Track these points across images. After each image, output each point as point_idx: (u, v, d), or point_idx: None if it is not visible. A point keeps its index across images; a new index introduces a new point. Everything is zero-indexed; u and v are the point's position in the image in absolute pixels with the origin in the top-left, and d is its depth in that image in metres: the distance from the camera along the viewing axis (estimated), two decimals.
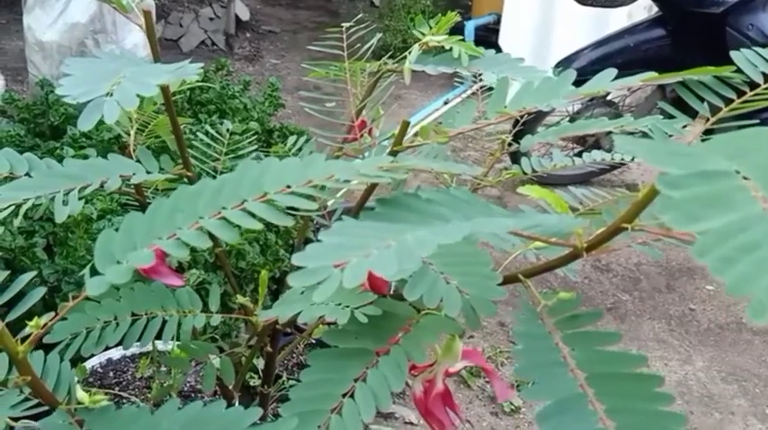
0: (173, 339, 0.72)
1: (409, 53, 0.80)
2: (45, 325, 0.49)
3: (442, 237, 0.40)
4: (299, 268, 0.39)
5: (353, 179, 0.47)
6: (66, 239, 1.48)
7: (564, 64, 2.51)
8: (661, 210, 0.29)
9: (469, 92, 4.33)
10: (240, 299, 0.73)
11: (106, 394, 1.27)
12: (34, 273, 0.56)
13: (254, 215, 0.46)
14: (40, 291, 0.56)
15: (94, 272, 0.49)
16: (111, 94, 0.53)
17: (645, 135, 0.65)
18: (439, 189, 0.51)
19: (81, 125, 0.51)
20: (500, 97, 0.70)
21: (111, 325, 0.71)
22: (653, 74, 0.62)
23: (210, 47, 4.21)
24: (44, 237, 1.54)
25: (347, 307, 0.63)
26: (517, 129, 1.09)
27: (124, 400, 1.39)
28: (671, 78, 0.62)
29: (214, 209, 0.48)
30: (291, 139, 0.94)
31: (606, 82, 0.66)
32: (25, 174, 0.76)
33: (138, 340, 0.70)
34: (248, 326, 0.85)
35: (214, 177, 0.91)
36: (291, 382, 1.36)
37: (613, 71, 0.67)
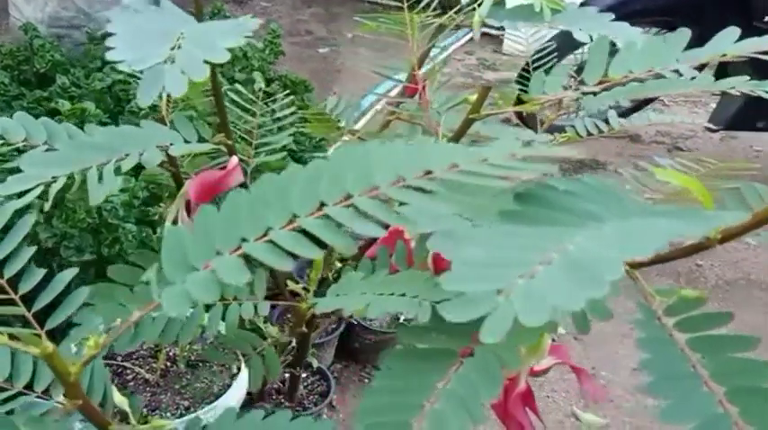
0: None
1: (479, 5, 0.71)
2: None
3: (623, 251, 0.33)
4: (451, 293, 0.32)
5: (480, 170, 0.40)
6: (64, 200, 1.38)
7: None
8: None
9: (464, 39, 4.17)
10: (292, 285, 0.66)
11: (110, 366, 1.19)
12: (76, 270, 0.48)
13: (365, 215, 0.38)
14: (83, 292, 0.48)
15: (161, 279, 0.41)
16: (173, 61, 0.44)
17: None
18: (571, 177, 0.43)
19: (141, 101, 0.42)
20: (599, 60, 0.62)
21: (147, 317, 0.63)
22: None
23: None
24: (39, 197, 1.44)
25: (425, 300, 0.56)
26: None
27: (128, 371, 1.32)
28: None
29: (311, 205, 0.40)
30: (332, 101, 0.84)
31: (729, 43, 0.58)
32: (43, 143, 0.67)
33: (178, 336, 0.63)
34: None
35: (249, 144, 0.83)
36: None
37: (736, 30, 0.59)
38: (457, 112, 0.75)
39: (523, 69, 1.09)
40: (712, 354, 0.49)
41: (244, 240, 0.40)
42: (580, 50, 2.94)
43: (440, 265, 0.65)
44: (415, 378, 0.54)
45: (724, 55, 0.60)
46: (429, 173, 0.40)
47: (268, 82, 2.13)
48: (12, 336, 0.41)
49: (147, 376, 1.05)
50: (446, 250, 0.48)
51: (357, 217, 0.38)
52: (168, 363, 1.00)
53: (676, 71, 0.58)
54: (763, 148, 3.34)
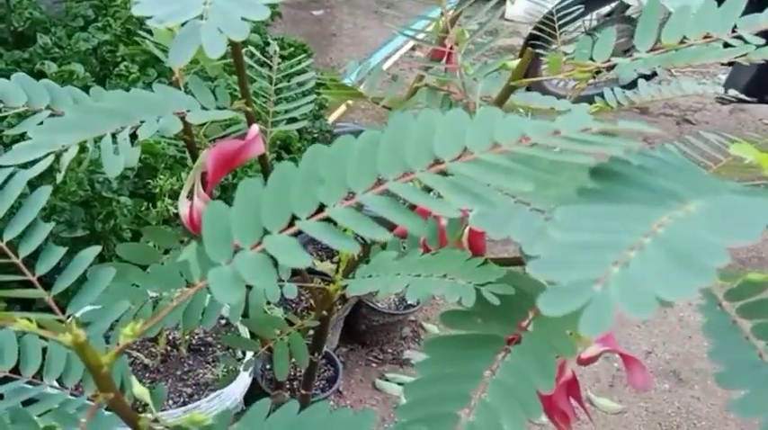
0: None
1: None
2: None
3: (725, 235, 0.31)
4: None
5: (554, 144, 0.37)
6: (52, 170, 1.35)
7: None
8: None
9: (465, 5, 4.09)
10: (320, 265, 0.64)
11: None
12: (98, 248, 0.45)
13: (430, 191, 0.36)
14: (108, 273, 0.45)
15: (202, 257, 0.39)
16: (207, 18, 0.41)
17: None
18: (643, 151, 0.41)
19: (172, 61, 0.40)
20: (651, 24, 0.59)
21: (164, 301, 0.61)
22: None
23: None
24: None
25: (470, 282, 0.54)
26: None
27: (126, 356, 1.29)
28: None
29: (368, 179, 0.38)
30: (353, 65, 0.82)
31: None
32: (46, 108, 0.64)
33: (200, 322, 0.61)
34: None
35: (266, 112, 0.80)
36: None
37: None
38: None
39: (535, 29, 1.06)
40: None
41: (296, 218, 0.37)
42: (588, 16, 2.91)
43: (477, 245, 0.63)
44: (460, 366, 0.53)
45: None
46: (497, 146, 0.38)
47: (265, 45, 2.08)
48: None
49: (147, 361, 1.02)
50: (492, 229, 0.46)
51: (420, 194, 0.36)
52: (169, 348, 0.97)
53: (739, 37, 0.56)
54: None
